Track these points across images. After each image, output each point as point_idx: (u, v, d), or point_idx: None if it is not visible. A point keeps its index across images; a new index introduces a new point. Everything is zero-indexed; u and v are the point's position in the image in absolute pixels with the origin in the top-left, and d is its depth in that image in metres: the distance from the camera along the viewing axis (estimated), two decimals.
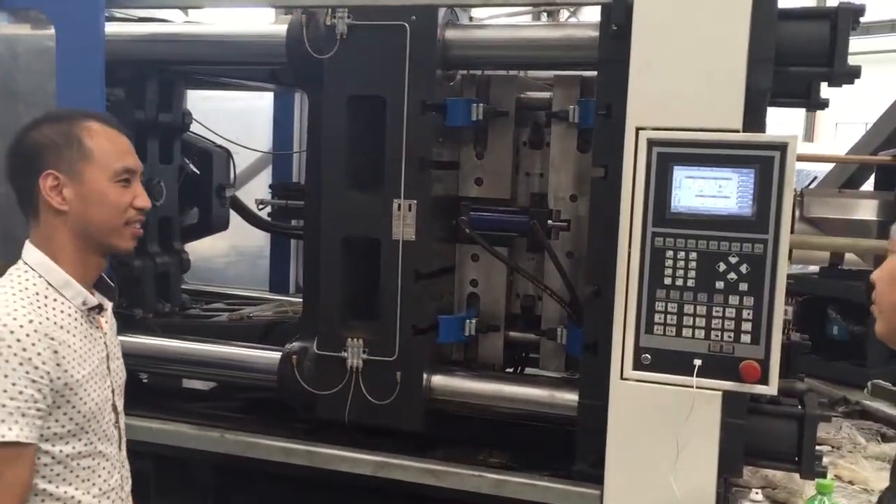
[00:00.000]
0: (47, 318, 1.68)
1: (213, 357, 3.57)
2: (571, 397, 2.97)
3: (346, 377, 3.17)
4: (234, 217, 4.52)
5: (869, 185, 5.15)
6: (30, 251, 1.76)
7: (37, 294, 1.70)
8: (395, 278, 3.12)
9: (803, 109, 3.98)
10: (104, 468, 1.80)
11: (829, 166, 6.26)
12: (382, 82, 3.10)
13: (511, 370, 3.54)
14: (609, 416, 2.63)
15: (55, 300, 1.72)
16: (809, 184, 6.22)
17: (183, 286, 4.59)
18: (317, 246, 3.30)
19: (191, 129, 4.30)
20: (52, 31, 2.93)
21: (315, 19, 3.19)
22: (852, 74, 2.69)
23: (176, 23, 3.93)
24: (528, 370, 3.55)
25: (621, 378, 2.58)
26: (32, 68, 2.96)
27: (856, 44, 2.78)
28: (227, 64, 3.80)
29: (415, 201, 3.08)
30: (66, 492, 1.72)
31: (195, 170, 4.35)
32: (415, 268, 3.11)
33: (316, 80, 3.23)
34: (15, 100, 2.95)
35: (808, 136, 16.15)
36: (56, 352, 1.66)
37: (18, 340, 1.62)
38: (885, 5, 13.91)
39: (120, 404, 1.91)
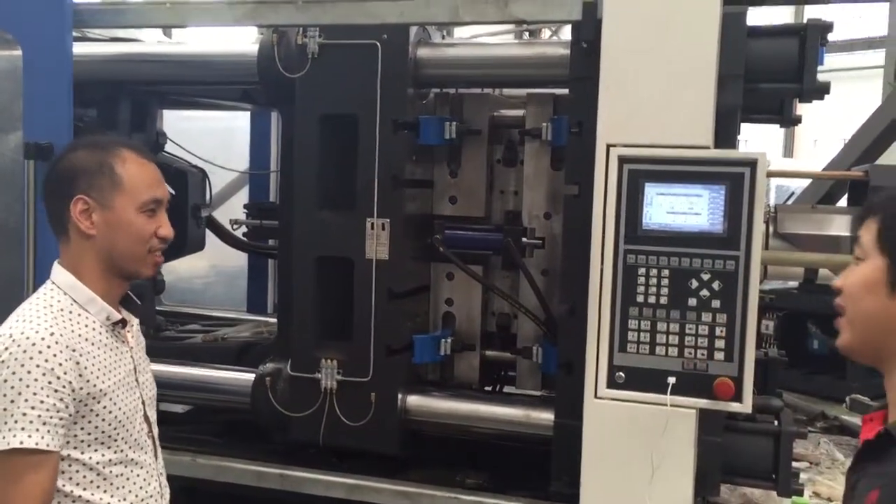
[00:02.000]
0: (71, 331, 1.75)
1: (186, 379, 3.52)
2: (548, 416, 2.95)
3: (320, 398, 3.13)
4: (213, 237, 4.48)
5: (845, 202, 5.20)
6: (57, 272, 1.83)
7: (61, 310, 1.77)
8: (369, 298, 3.09)
9: (784, 127, 4.00)
10: (139, 476, 1.85)
11: (807, 182, 6.31)
12: (354, 101, 3.09)
13: (489, 389, 3.52)
14: (584, 436, 2.61)
15: (80, 315, 1.79)
16: (787, 199, 6.27)
17: (159, 307, 4.55)
18: (290, 266, 3.28)
19: (166, 150, 4.27)
20: (19, 52, 2.90)
21: (286, 38, 3.18)
22: (821, 90, 2.70)
23: (147, 43, 3.90)
24: (506, 389, 3.53)
25: (595, 397, 2.56)
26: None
27: (834, 60, 2.80)
28: (199, 84, 3.78)
29: (388, 220, 3.06)
30: (101, 498, 1.77)
31: (170, 190, 4.30)
32: (388, 287, 3.09)
33: (288, 100, 3.22)
34: None
35: (788, 152, 16.29)
36: (78, 363, 1.72)
37: (41, 352, 1.68)
38: (864, 23, 14.09)
39: (152, 415, 1.96)
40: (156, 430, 1.97)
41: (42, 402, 1.66)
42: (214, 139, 5.12)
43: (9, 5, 2.92)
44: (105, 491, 1.78)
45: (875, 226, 1.42)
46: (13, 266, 2.87)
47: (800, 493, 2.67)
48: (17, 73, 2.92)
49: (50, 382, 1.67)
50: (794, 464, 2.78)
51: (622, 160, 2.49)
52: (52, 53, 2.94)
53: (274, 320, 4.18)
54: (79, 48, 3.19)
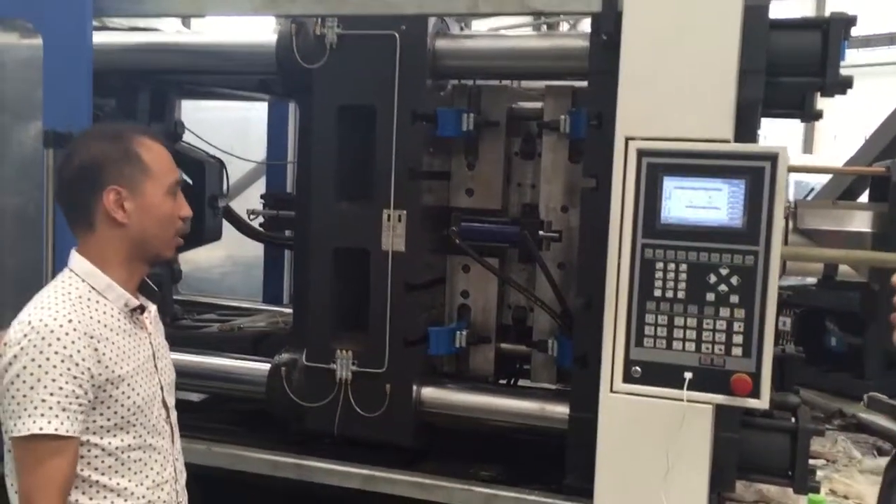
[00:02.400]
0: (89, 318, 1.77)
1: (202, 368, 3.54)
2: (562, 410, 2.94)
3: (335, 389, 3.14)
4: (230, 227, 4.50)
5: (866, 197, 5.14)
6: (75, 259, 1.85)
7: (79, 297, 1.79)
8: (385, 289, 3.09)
9: (805, 122, 3.96)
10: (156, 461, 1.87)
11: (828, 178, 6.25)
12: (372, 92, 3.08)
13: (504, 382, 3.51)
14: (599, 430, 2.60)
15: (97, 302, 1.81)
16: (807, 195, 6.20)
17: (176, 297, 4.57)
18: (307, 257, 3.28)
19: (183, 140, 4.28)
20: (39, 40, 2.92)
21: (304, 29, 3.18)
22: (844, 84, 2.67)
23: (166, 32, 3.91)
24: (522, 382, 3.52)
25: (611, 391, 2.54)
26: (19, 78, 2.95)
27: (855, 56, 2.78)
28: (217, 73, 3.78)
29: (405, 212, 3.06)
30: (118, 483, 1.80)
31: (187, 180, 4.32)
32: (405, 279, 3.09)
33: (306, 90, 3.22)
34: (1, 110, 2.93)
35: (808, 147, 16.14)
36: (96, 349, 1.74)
37: (59, 339, 1.70)
38: (885, 18, 13.93)
39: (170, 401, 1.99)
40: (174, 416, 2.00)
41: (61, 388, 1.69)
42: (232, 129, 5.12)
43: None
44: (123, 476, 1.81)
45: None
46: (32, 254, 2.89)
47: (816, 491, 2.66)
48: (37, 62, 2.94)
49: (69, 369, 1.70)
50: (811, 461, 2.75)
51: (641, 153, 2.48)
52: (73, 42, 2.94)
53: (290, 311, 4.20)
54: (98, 37, 3.19)
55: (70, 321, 1.73)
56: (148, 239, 1.85)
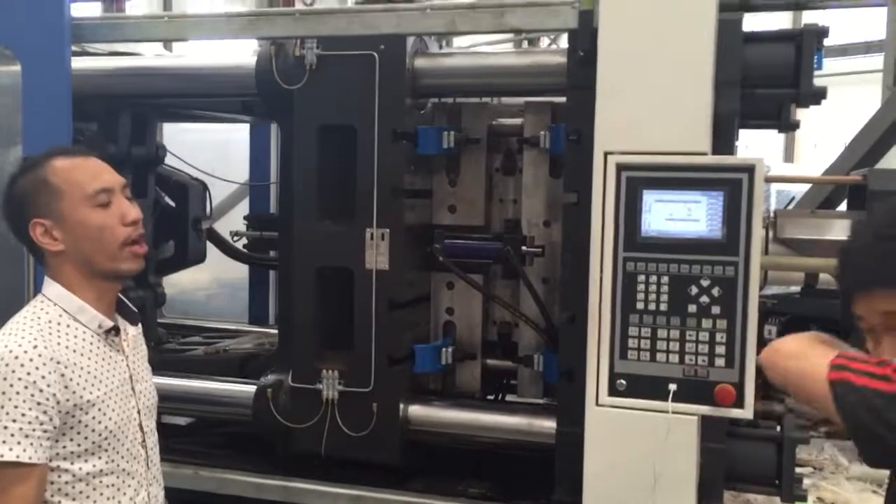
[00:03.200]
0: (57, 344, 1.75)
1: (188, 392, 3.52)
2: (550, 425, 2.94)
3: (321, 409, 3.13)
4: (215, 249, 4.49)
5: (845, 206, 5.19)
6: (47, 284, 1.84)
7: (49, 322, 1.78)
8: (370, 308, 3.09)
9: (783, 132, 3.98)
10: (129, 486, 1.85)
11: (808, 187, 6.31)
12: (353, 112, 3.10)
13: (491, 398, 3.51)
14: (586, 444, 2.60)
15: (69, 326, 1.79)
16: (788, 204, 6.25)
17: (161, 320, 4.55)
18: (290, 277, 3.28)
19: (165, 162, 4.28)
20: (18, 67, 2.91)
21: (284, 50, 3.19)
22: (819, 95, 2.70)
23: (146, 56, 3.92)
24: (508, 397, 3.52)
25: (597, 404, 2.55)
26: None
27: (833, 65, 2.81)
28: (198, 96, 3.79)
29: (387, 230, 3.07)
30: None
31: (171, 202, 4.32)
32: (389, 297, 3.09)
33: (287, 111, 3.23)
34: None
35: (788, 156, 16.28)
36: (63, 374, 1.72)
37: (23, 365, 1.68)
38: (861, 27, 14.09)
39: (149, 424, 1.95)
40: (152, 440, 1.96)
41: (24, 415, 1.67)
42: (214, 151, 5.13)
43: (7, 21, 2.94)
44: (95, 501, 1.78)
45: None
46: (14, 280, 2.88)
47: (803, 499, 2.67)
48: (16, 89, 2.93)
49: (32, 395, 1.68)
50: (798, 469, 2.76)
51: (620, 167, 2.50)
52: (52, 68, 2.94)
53: (276, 331, 4.19)
54: (78, 63, 3.20)
55: (35, 347, 1.71)
56: (90, 257, 1.81)
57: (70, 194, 1.80)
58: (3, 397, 1.67)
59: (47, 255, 1.83)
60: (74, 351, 1.77)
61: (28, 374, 1.68)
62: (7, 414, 1.66)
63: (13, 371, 1.68)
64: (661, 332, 2.48)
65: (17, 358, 1.69)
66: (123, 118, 3.86)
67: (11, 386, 1.67)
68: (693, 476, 2.53)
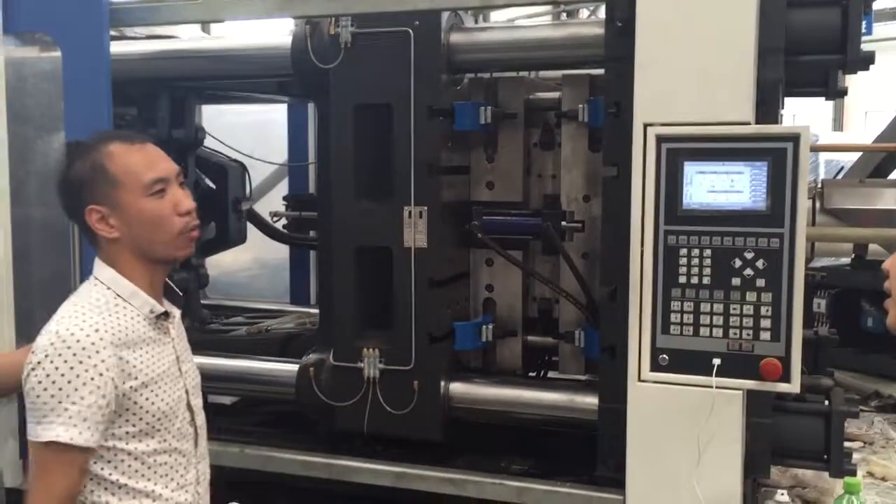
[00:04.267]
0: (115, 326, 1.78)
1: (231, 371, 3.56)
2: (592, 401, 2.92)
3: (363, 387, 3.15)
4: (256, 230, 4.52)
5: None
6: (99, 267, 1.87)
7: (105, 305, 1.81)
8: (409, 286, 3.09)
9: (830, 99, 3.86)
10: (181, 464, 1.90)
11: (857, 157, 6.15)
12: (388, 89, 3.08)
13: (532, 374, 3.50)
14: (628, 420, 2.58)
15: (123, 309, 1.82)
16: (837, 174, 6.11)
17: (204, 301, 4.61)
18: (330, 256, 3.29)
19: (205, 144, 4.31)
20: (58, 53, 2.94)
21: (319, 29, 3.18)
22: (867, 61, 2.62)
23: (183, 39, 3.94)
24: (550, 374, 3.51)
25: (639, 380, 2.52)
26: (40, 91, 2.97)
27: (884, 29, 2.72)
28: (235, 78, 3.80)
29: (425, 208, 3.06)
30: (145, 487, 1.82)
31: (211, 184, 4.36)
32: (428, 275, 3.09)
33: (323, 91, 3.23)
34: (24, 123, 2.96)
35: (837, 125, 15.89)
36: (121, 358, 1.76)
37: (84, 349, 1.72)
38: None
39: (196, 403, 1.99)
40: (199, 419, 2.00)
41: (83, 398, 1.71)
42: (253, 133, 5.15)
43: (46, 7, 2.96)
44: (149, 479, 1.83)
45: None
46: (59, 265, 2.93)
47: (853, 474, 2.61)
48: (56, 75, 2.96)
49: (93, 379, 1.72)
50: (847, 444, 2.71)
51: (660, 139, 2.45)
52: (90, 53, 2.97)
53: (317, 311, 4.22)
54: (117, 47, 3.23)
55: (97, 331, 1.74)
56: (146, 245, 1.84)
57: (126, 184, 1.81)
58: (62, 380, 1.70)
59: (101, 242, 1.86)
60: (130, 334, 1.80)
61: (89, 357, 1.71)
62: (67, 396, 1.70)
63: (74, 354, 1.71)
64: (704, 306, 2.44)
65: (78, 341, 1.72)
66: (162, 101, 3.90)
67: (72, 369, 1.70)
68: (739, 451, 2.50)
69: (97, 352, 1.72)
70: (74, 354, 1.71)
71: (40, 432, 1.70)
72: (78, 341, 1.72)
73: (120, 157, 1.82)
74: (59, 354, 1.71)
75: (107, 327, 1.76)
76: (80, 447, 1.71)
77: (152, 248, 1.85)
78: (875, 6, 2.66)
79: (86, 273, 1.94)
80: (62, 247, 2.98)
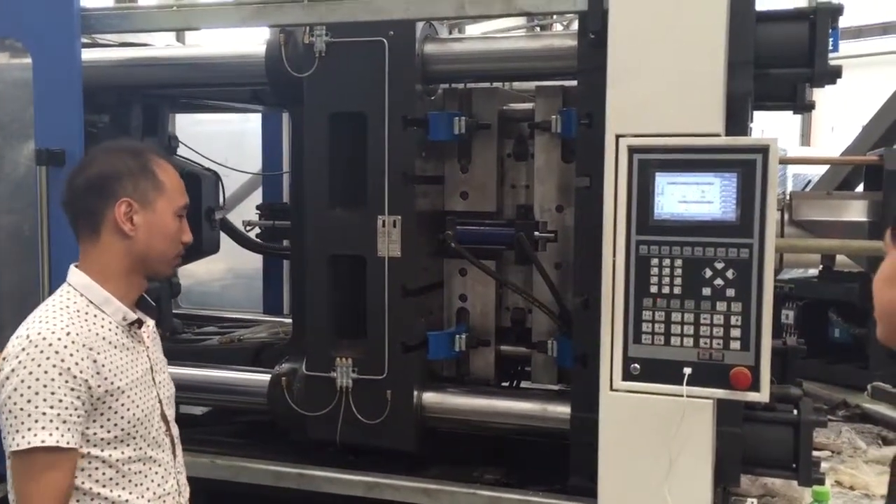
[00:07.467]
0: (88, 330, 1.79)
1: (204, 381, 3.54)
2: (564, 410, 2.94)
3: (335, 397, 3.13)
4: (229, 240, 4.50)
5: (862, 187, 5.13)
6: (73, 274, 1.88)
7: (77, 311, 1.82)
8: (383, 296, 3.09)
9: (798, 113, 3.93)
10: (157, 473, 1.89)
11: (824, 170, 6.25)
12: (362, 99, 3.09)
13: (505, 384, 3.50)
14: (600, 429, 2.59)
15: (95, 316, 1.83)
16: (804, 187, 6.21)
17: (176, 311, 4.57)
18: (303, 265, 3.28)
19: (178, 153, 4.29)
20: (28, 60, 2.92)
21: (293, 38, 3.18)
22: (834, 74, 2.67)
23: (157, 47, 3.92)
24: (523, 383, 3.52)
25: (611, 389, 2.54)
26: (11, 98, 2.95)
27: (849, 47, 2.77)
28: (209, 86, 3.79)
29: (399, 217, 3.06)
30: (119, 495, 1.81)
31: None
32: (402, 284, 3.09)
33: (297, 99, 3.22)
34: None
35: (805, 140, 16.13)
36: (95, 360, 1.76)
37: (57, 352, 1.72)
38: (877, 8, 13.92)
39: (170, 414, 2.00)
40: (175, 429, 2.01)
41: (60, 400, 1.70)
42: (226, 142, 5.13)
43: (17, 13, 2.94)
44: (124, 488, 1.82)
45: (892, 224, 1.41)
46: (28, 271, 2.89)
47: (821, 483, 2.64)
48: (27, 82, 2.94)
49: (66, 381, 1.71)
50: (816, 453, 2.74)
51: (632, 150, 2.47)
52: (62, 60, 2.95)
53: (290, 321, 4.20)
54: (89, 54, 3.20)
55: (68, 333, 1.74)
56: (151, 254, 1.88)
57: (167, 195, 1.89)
58: (37, 384, 1.69)
59: (107, 235, 1.85)
60: (103, 339, 1.81)
61: (62, 360, 1.71)
62: (44, 400, 1.69)
63: (48, 357, 1.70)
64: (676, 316, 2.46)
65: (50, 345, 1.71)
66: (135, 109, 3.87)
67: (46, 372, 1.70)
68: (709, 460, 2.52)
69: (70, 354, 1.72)
70: (48, 358, 1.71)
71: (20, 440, 1.69)
72: (50, 344, 1.72)
73: (167, 171, 1.92)
74: (33, 359, 1.70)
75: (78, 329, 1.76)
76: (63, 449, 1.70)
77: (152, 258, 1.89)
78: (840, 24, 2.71)
79: (55, 280, 1.92)
80: (30, 254, 2.94)
